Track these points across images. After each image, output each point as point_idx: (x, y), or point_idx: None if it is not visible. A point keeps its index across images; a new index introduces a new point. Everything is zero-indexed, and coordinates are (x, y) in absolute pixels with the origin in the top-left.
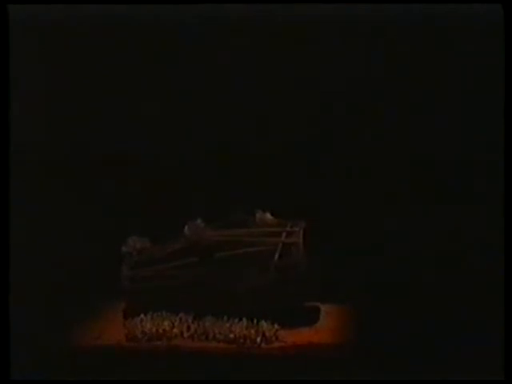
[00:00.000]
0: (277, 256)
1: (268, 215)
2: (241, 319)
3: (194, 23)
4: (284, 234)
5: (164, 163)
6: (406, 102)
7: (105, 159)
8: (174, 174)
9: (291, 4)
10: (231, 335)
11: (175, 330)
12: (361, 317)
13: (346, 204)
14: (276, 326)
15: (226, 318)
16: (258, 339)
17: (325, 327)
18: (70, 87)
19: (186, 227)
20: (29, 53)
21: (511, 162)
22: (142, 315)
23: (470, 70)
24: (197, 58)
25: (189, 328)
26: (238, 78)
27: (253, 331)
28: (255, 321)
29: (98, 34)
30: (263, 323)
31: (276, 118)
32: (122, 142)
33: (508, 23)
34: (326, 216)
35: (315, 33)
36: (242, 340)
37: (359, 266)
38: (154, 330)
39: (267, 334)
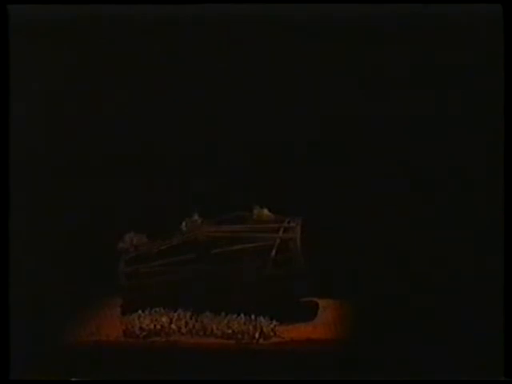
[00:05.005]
0: (274, 252)
1: (265, 211)
2: (239, 315)
3: (194, 23)
4: (281, 230)
5: (163, 161)
6: (405, 101)
7: (105, 159)
8: (171, 172)
9: (291, 4)
10: (229, 331)
11: (173, 326)
12: (359, 312)
13: (344, 199)
14: (274, 321)
15: (223, 313)
16: (256, 335)
17: (323, 322)
18: (70, 87)
19: (183, 223)
20: (29, 53)
21: (511, 162)
22: (139, 311)
23: (470, 70)
24: (197, 58)
25: (187, 324)
26: (238, 77)
27: (251, 327)
28: (253, 316)
29: (97, 33)
30: (261, 319)
31: (275, 116)
32: (122, 141)
33: (508, 23)
34: (324, 211)
35: (315, 33)
36: (239, 336)
37: (357, 261)
38: (151, 325)
39: (265, 329)
